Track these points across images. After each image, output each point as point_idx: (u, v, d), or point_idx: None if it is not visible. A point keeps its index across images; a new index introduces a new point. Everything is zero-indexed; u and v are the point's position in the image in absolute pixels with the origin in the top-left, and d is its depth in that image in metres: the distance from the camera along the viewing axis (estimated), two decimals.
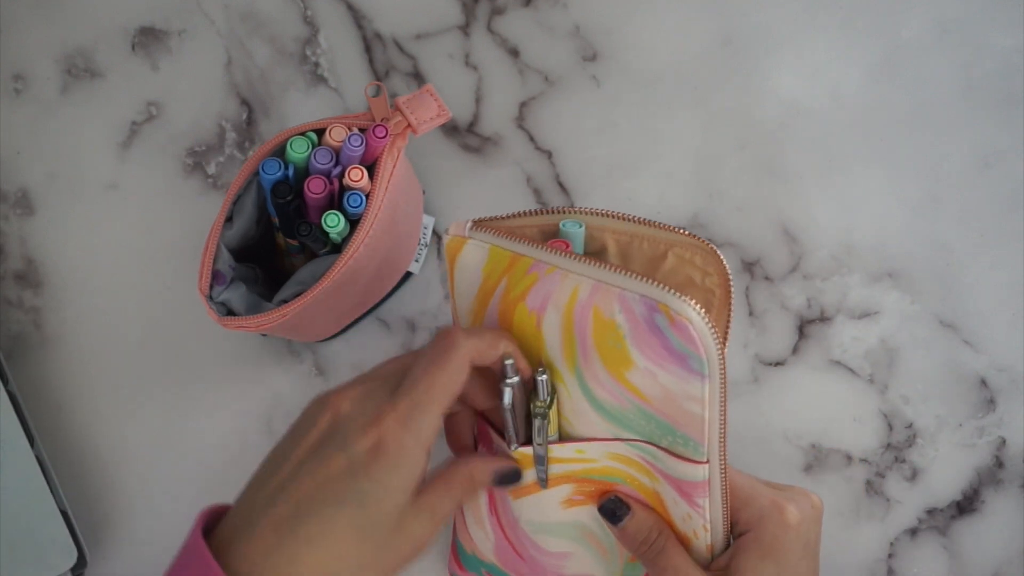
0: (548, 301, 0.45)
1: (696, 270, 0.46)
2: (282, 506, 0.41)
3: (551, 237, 0.47)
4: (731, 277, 0.46)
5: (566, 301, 0.45)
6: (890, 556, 0.57)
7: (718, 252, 0.46)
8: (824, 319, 0.59)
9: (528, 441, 0.47)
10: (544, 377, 0.46)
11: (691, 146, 0.60)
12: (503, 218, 0.47)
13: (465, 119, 0.60)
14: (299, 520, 0.41)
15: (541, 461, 0.48)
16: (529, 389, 0.46)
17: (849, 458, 0.57)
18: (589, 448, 0.47)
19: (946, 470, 0.57)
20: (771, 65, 0.61)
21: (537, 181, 0.60)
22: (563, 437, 0.48)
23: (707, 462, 0.46)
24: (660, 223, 0.47)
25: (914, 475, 0.57)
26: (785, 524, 0.46)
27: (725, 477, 0.46)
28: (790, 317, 0.59)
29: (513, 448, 0.47)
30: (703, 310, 0.42)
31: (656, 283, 0.43)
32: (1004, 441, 0.57)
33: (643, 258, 0.47)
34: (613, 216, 0.47)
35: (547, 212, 0.47)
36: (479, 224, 0.46)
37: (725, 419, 0.44)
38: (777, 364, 0.58)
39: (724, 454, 0.45)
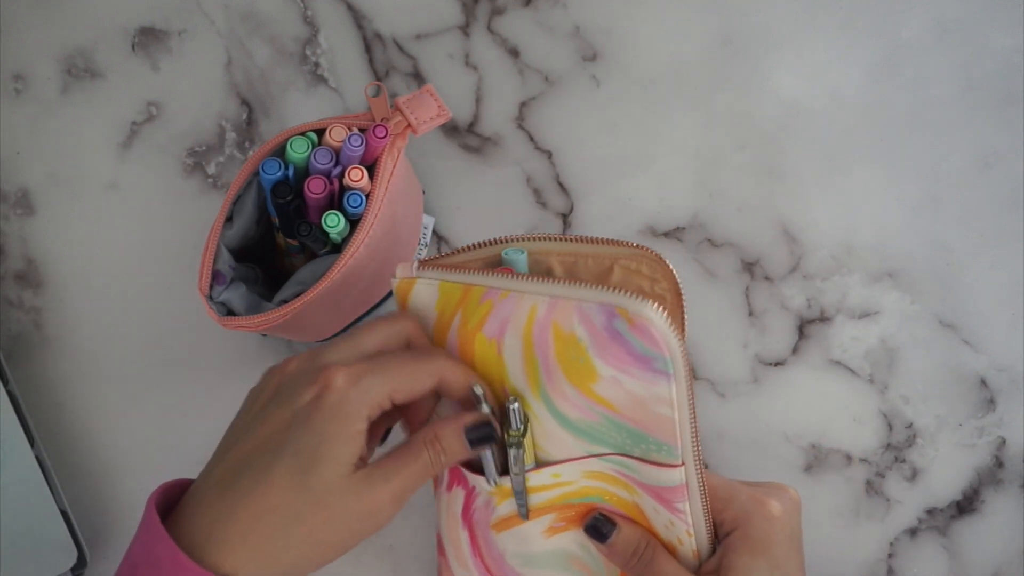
0: (506, 325, 0.45)
1: (644, 279, 0.46)
2: (225, 465, 0.42)
3: (496, 267, 0.47)
4: (680, 281, 0.46)
5: (524, 323, 0.44)
6: (890, 556, 0.57)
7: (663, 259, 0.46)
8: (824, 319, 0.59)
9: (506, 471, 0.46)
10: (516, 405, 0.45)
11: (691, 146, 0.60)
12: (447, 255, 0.47)
13: (465, 119, 0.60)
14: (239, 474, 0.41)
15: (520, 494, 0.47)
16: (500, 421, 0.45)
17: (849, 458, 0.57)
18: (565, 470, 0.46)
19: (946, 470, 0.57)
20: (771, 65, 0.61)
21: (537, 181, 0.60)
22: (538, 463, 0.47)
23: (682, 464, 0.45)
24: (601, 238, 0.47)
25: (914, 475, 0.57)
26: (770, 517, 0.46)
27: (702, 477, 0.45)
28: (790, 317, 0.59)
29: (493, 484, 0.46)
30: (661, 308, 0.41)
31: (611, 288, 0.42)
32: (1004, 441, 0.57)
33: (590, 275, 0.47)
34: (553, 239, 0.47)
35: (488, 244, 0.47)
36: (425, 264, 0.46)
37: (695, 418, 0.44)
38: (777, 364, 0.58)
39: (699, 454, 0.44)
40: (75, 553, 0.53)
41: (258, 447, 0.41)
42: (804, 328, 0.59)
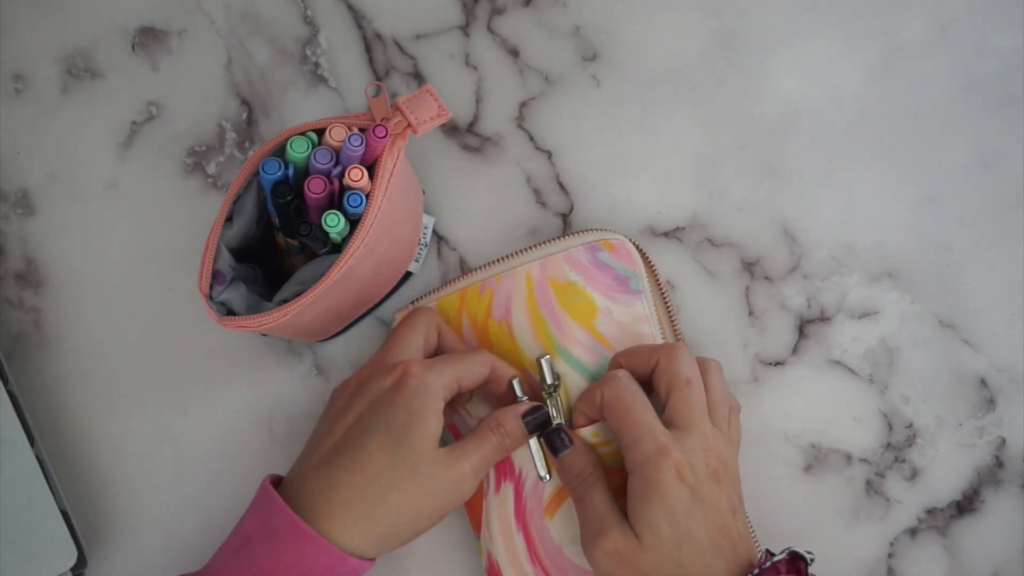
0: (510, 302, 0.53)
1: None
2: (322, 450, 0.48)
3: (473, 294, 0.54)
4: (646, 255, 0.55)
5: (524, 290, 0.53)
6: (890, 556, 0.57)
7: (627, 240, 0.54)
8: (824, 319, 0.59)
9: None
10: (547, 358, 0.51)
11: (691, 146, 0.60)
12: (430, 293, 0.55)
13: (465, 119, 0.60)
14: (336, 453, 0.47)
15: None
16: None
17: (849, 458, 0.57)
18: (601, 429, 0.51)
19: (946, 470, 0.57)
20: (771, 65, 0.61)
21: (537, 181, 0.60)
22: (573, 425, 0.52)
23: None
24: (570, 233, 0.55)
25: (914, 475, 0.57)
26: (661, 460, 0.46)
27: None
28: (790, 317, 0.59)
29: (545, 475, 0.52)
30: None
31: (589, 230, 0.54)
32: (1004, 441, 0.57)
33: None
34: (522, 251, 0.54)
35: (464, 275, 0.55)
36: (415, 302, 0.55)
37: (678, 334, 0.55)
38: (777, 364, 0.58)
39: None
40: (75, 553, 0.53)
41: (350, 429, 0.47)
42: (804, 328, 0.59)
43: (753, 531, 0.51)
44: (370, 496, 0.45)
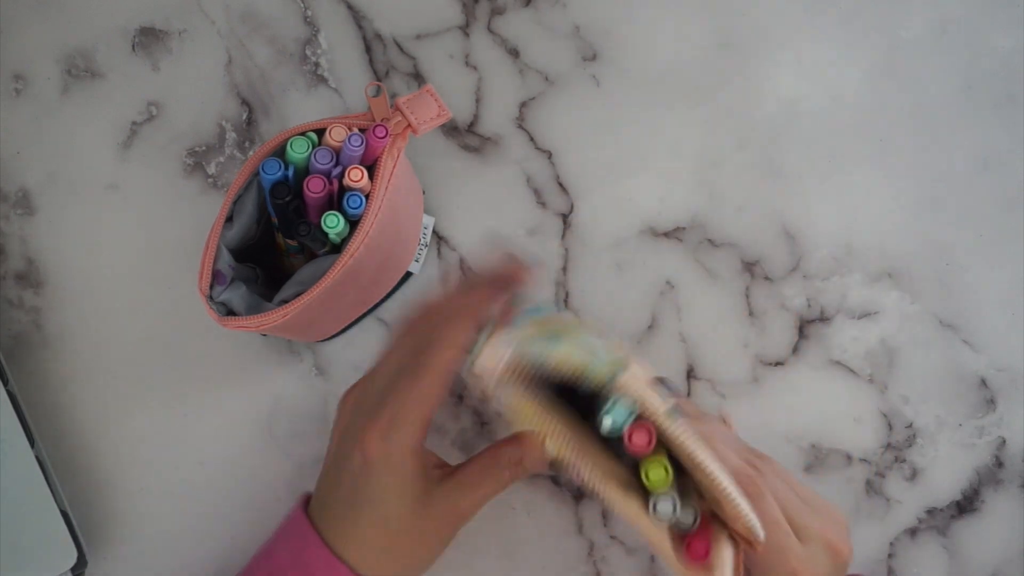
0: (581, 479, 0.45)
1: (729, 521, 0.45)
2: (335, 496, 0.47)
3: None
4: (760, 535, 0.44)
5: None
6: (890, 556, 0.57)
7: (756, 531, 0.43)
8: (824, 319, 0.59)
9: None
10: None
11: (691, 146, 0.60)
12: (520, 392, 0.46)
13: (465, 119, 0.60)
14: (348, 509, 0.46)
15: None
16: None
17: (849, 458, 0.57)
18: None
19: (946, 470, 0.57)
20: (771, 65, 0.61)
21: (537, 181, 0.60)
22: None
23: None
24: (712, 473, 0.43)
25: (914, 475, 0.57)
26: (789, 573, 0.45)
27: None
28: (790, 317, 0.59)
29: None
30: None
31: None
32: (1004, 441, 0.58)
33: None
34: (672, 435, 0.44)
35: (562, 432, 0.46)
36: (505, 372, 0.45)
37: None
38: (777, 364, 0.58)
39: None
40: (75, 553, 0.53)
41: (347, 493, 0.46)
42: (804, 328, 0.59)
43: None
44: (376, 554, 0.46)
